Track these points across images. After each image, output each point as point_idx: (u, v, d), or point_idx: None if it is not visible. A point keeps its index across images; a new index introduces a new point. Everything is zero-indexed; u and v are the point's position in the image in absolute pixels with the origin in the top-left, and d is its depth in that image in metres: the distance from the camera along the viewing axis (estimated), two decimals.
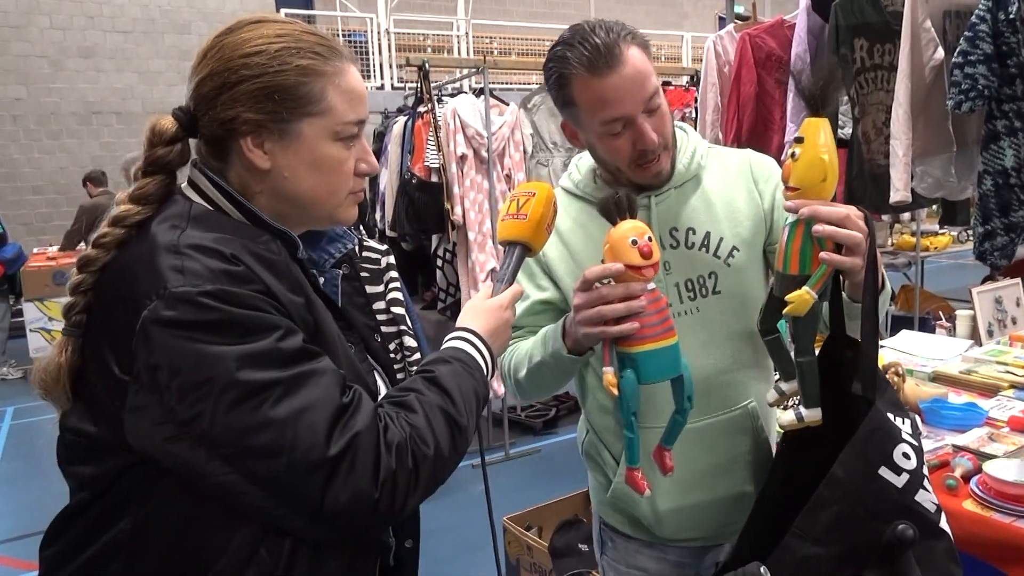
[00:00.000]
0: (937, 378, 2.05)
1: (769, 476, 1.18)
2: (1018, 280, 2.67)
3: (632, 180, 1.19)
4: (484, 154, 3.89)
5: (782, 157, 1.03)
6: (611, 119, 1.11)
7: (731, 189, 1.24)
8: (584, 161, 1.30)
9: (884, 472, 0.96)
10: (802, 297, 0.97)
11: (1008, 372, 2.00)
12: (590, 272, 1.01)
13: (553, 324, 1.16)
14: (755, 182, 1.25)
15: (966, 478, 1.49)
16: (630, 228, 1.01)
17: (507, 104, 4.11)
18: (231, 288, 0.76)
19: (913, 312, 3.76)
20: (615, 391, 1.00)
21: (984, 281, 2.78)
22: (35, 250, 7.37)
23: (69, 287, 0.83)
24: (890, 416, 0.99)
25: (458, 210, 3.86)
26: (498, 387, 3.77)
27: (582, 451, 1.37)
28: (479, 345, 0.96)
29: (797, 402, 1.08)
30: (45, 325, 6.22)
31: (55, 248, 7.03)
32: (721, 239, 1.21)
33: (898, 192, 2.12)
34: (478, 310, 1.00)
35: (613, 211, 1.01)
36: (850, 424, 1.00)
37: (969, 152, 2.16)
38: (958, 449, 1.61)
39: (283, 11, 9.37)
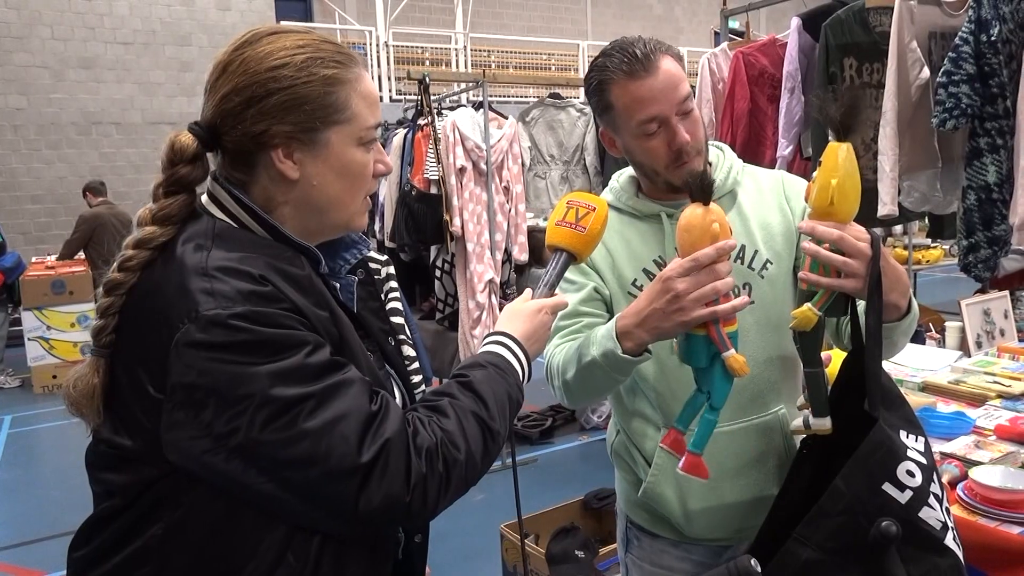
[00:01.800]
0: (927, 388, 2.08)
1: (787, 482, 1.21)
2: (1006, 293, 2.72)
3: (669, 181, 1.23)
4: (483, 166, 3.93)
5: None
6: (647, 119, 1.17)
7: (764, 205, 1.29)
8: (624, 176, 1.35)
9: (888, 488, 0.98)
10: (805, 314, 1.01)
11: (995, 382, 2.03)
12: (704, 254, 1.00)
13: (602, 326, 1.16)
14: (787, 199, 1.30)
15: (953, 484, 1.52)
16: (722, 210, 1.02)
17: (506, 117, 4.15)
18: (260, 308, 0.77)
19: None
20: (748, 369, 1.00)
21: (975, 294, 2.83)
22: (34, 259, 7.37)
23: (98, 310, 0.84)
24: (902, 433, 1.02)
25: (457, 221, 3.89)
26: None
27: (611, 451, 1.41)
28: (515, 349, 0.97)
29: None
30: (43, 334, 6.22)
31: (54, 257, 7.02)
32: (756, 252, 1.25)
33: (885, 206, 2.17)
34: (516, 313, 1.01)
35: (710, 190, 1.00)
36: (862, 435, 1.02)
37: (954, 168, 2.22)
38: (946, 456, 1.64)
39: (282, 23, 9.43)
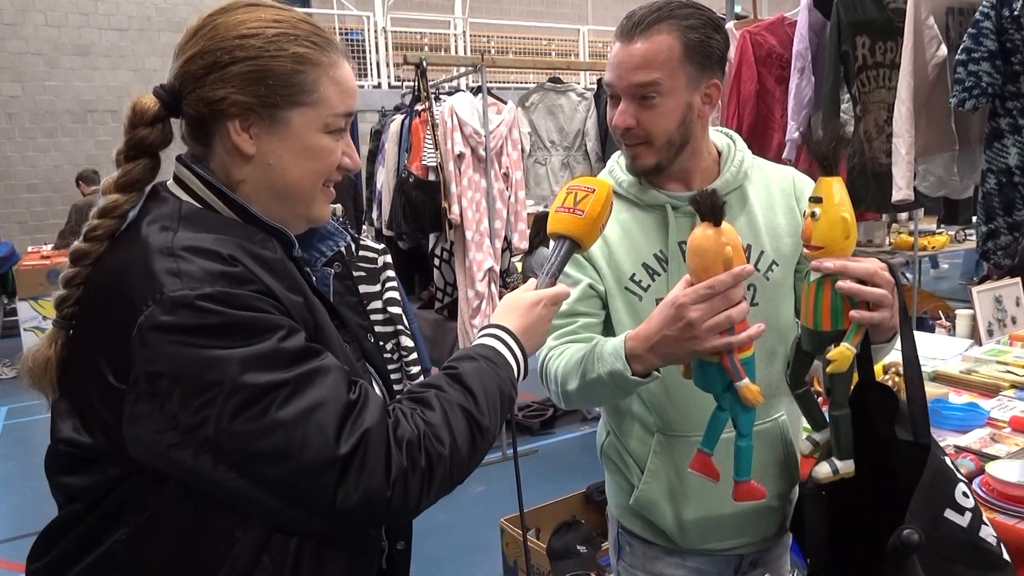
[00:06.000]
0: (937, 378, 2.05)
1: (798, 520, 1.20)
2: (1018, 280, 2.66)
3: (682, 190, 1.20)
4: (482, 153, 3.87)
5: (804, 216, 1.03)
6: (606, 82, 1.17)
7: (773, 204, 1.23)
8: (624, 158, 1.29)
9: (949, 514, 0.97)
10: (843, 353, 0.98)
11: (1008, 372, 2.00)
12: (720, 281, 0.94)
13: (605, 341, 1.12)
14: (796, 200, 1.24)
15: (969, 479, 1.48)
16: (733, 227, 0.98)
17: (505, 103, 4.09)
18: (230, 289, 0.73)
19: (911, 312, 3.76)
20: (762, 399, 0.96)
21: (982, 280, 2.77)
22: (29, 248, 7.34)
23: (62, 280, 0.81)
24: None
25: (455, 209, 3.84)
26: None
27: (601, 452, 1.36)
28: (510, 343, 0.92)
29: (827, 452, 1.10)
30: (39, 324, 6.18)
31: (49, 247, 7.00)
32: (762, 253, 1.20)
33: (900, 191, 2.11)
34: (514, 306, 0.96)
35: (721, 211, 0.95)
36: (885, 466, 1.02)
37: (971, 150, 2.16)
38: (960, 450, 1.60)
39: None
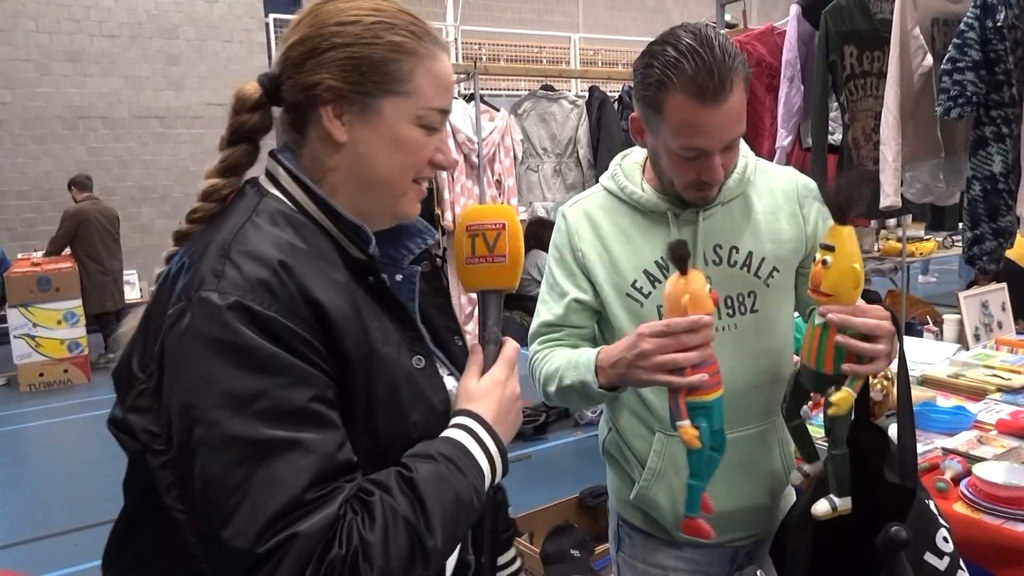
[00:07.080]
0: (925, 382, 2.07)
1: (777, 547, 1.23)
2: (1004, 285, 2.70)
3: (681, 196, 1.19)
4: (474, 159, 3.89)
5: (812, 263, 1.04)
6: (691, 147, 1.09)
7: (776, 209, 1.24)
8: (628, 161, 1.28)
9: (929, 557, 0.99)
10: (845, 398, 1.01)
11: (995, 375, 2.03)
12: (677, 323, 0.97)
13: (585, 351, 1.16)
14: (800, 205, 1.25)
15: (956, 481, 1.50)
16: (702, 277, 0.99)
17: (497, 110, 4.11)
18: (257, 308, 0.70)
19: (900, 317, 3.80)
20: (698, 444, 0.96)
21: (969, 286, 2.81)
22: (19, 256, 7.28)
23: (165, 257, 0.83)
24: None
25: (448, 216, 3.85)
26: None
27: (602, 449, 1.38)
28: (484, 438, 0.81)
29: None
30: (30, 331, 6.14)
31: (40, 254, 6.93)
32: (763, 259, 1.22)
33: (888, 197, 2.14)
34: (474, 393, 0.85)
35: (687, 259, 0.96)
36: (871, 503, 1.05)
37: (957, 158, 2.19)
38: (947, 452, 1.62)
39: (271, 16, 9.34)
